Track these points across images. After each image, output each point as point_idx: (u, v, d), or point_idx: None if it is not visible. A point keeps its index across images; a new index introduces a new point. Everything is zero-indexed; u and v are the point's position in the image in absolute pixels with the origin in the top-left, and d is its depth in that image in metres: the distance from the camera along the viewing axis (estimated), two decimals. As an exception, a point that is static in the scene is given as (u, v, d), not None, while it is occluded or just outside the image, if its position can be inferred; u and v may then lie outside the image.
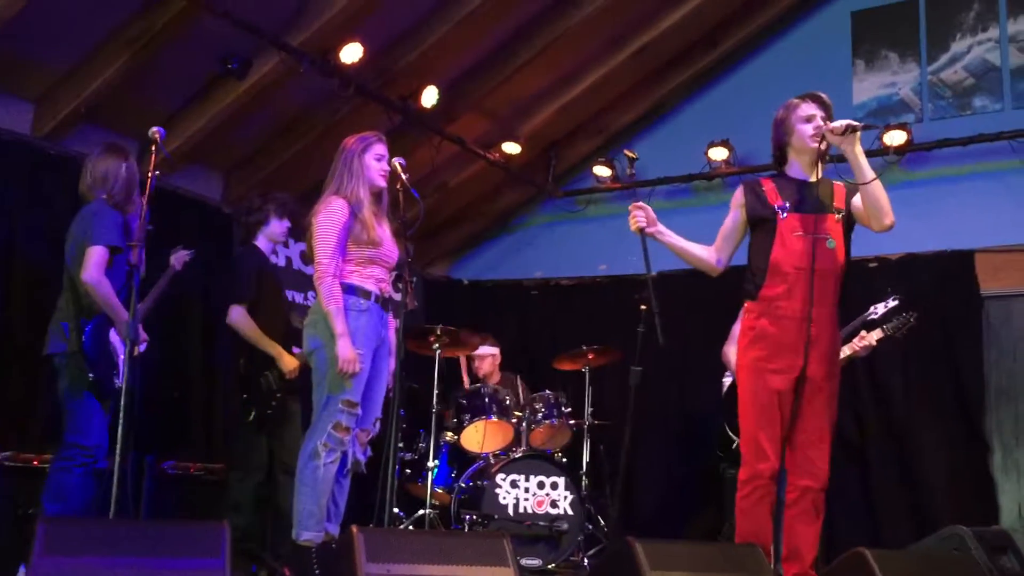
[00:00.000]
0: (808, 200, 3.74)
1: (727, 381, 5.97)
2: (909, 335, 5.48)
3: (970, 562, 4.19)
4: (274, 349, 4.92)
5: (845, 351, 5.31)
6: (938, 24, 6.99)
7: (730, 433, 5.70)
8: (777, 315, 3.69)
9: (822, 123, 3.72)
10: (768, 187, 3.81)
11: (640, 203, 3.85)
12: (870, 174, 3.65)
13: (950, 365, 6.48)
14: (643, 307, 4.06)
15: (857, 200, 3.78)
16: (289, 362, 4.91)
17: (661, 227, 3.85)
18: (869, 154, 6.75)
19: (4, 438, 4.84)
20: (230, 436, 5.09)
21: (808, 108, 3.78)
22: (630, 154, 4.46)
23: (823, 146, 3.73)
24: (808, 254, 3.66)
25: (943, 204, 6.76)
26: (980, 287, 6.51)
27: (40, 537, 2.77)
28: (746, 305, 3.85)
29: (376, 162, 4.15)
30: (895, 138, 6.68)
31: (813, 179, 3.79)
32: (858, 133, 3.62)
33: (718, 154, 7.26)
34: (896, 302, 5.41)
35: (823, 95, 3.83)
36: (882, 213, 3.69)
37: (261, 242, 5.19)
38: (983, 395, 6.44)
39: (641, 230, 3.80)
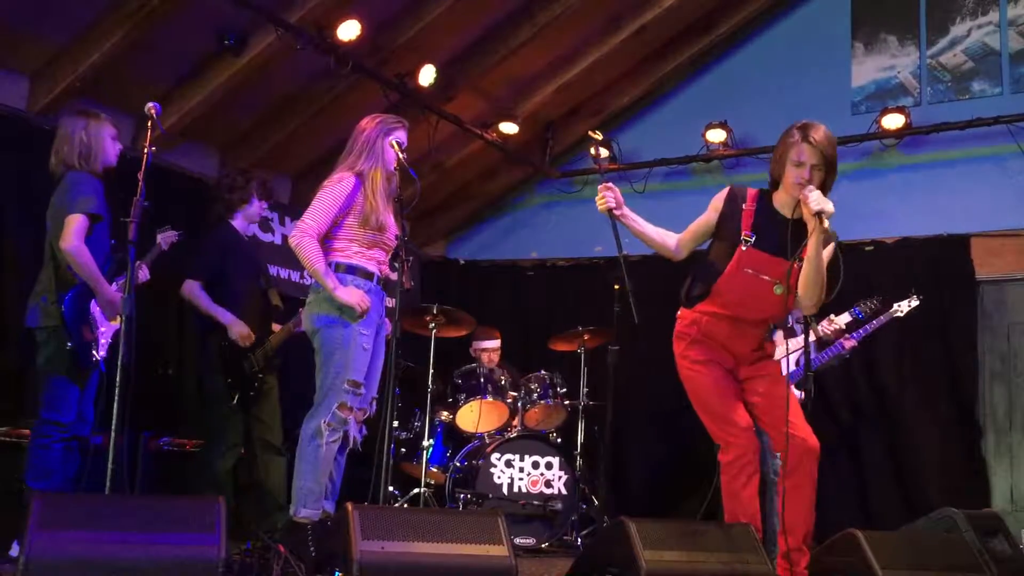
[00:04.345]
0: (777, 239, 3.69)
1: None
2: (906, 320, 5.50)
3: (961, 544, 4.20)
4: (224, 317, 4.92)
5: (811, 336, 5.30)
6: (938, 7, 6.97)
7: None
8: (709, 331, 3.78)
9: (808, 175, 3.59)
10: (748, 208, 3.76)
11: (609, 184, 3.88)
12: (818, 269, 3.55)
13: (944, 348, 6.51)
14: (616, 287, 4.08)
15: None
16: (241, 329, 4.92)
17: (627, 210, 3.88)
18: (867, 137, 6.83)
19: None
20: (207, 413, 5.09)
21: (802, 153, 3.61)
22: (594, 135, 4.42)
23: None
24: (750, 294, 3.69)
25: (940, 188, 6.76)
26: (975, 271, 6.54)
27: (35, 512, 2.76)
28: (681, 311, 3.88)
29: (392, 148, 4.17)
30: (893, 121, 6.67)
31: (793, 216, 3.68)
32: (826, 222, 3.47)
33: (716, 136, 7.24)
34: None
35: (819, 139, 3.60)
36: (810, 299, 3.61)
37: (238, 220, 5.19)
38: (977, 379, 6.47)
39: (609, 211, 3.83)
